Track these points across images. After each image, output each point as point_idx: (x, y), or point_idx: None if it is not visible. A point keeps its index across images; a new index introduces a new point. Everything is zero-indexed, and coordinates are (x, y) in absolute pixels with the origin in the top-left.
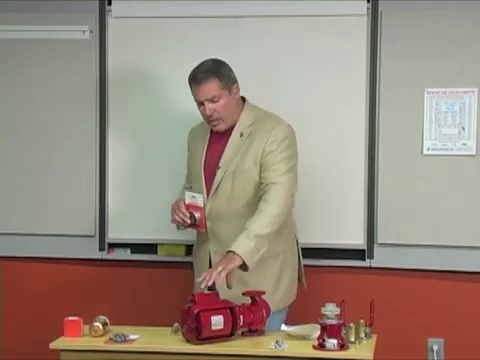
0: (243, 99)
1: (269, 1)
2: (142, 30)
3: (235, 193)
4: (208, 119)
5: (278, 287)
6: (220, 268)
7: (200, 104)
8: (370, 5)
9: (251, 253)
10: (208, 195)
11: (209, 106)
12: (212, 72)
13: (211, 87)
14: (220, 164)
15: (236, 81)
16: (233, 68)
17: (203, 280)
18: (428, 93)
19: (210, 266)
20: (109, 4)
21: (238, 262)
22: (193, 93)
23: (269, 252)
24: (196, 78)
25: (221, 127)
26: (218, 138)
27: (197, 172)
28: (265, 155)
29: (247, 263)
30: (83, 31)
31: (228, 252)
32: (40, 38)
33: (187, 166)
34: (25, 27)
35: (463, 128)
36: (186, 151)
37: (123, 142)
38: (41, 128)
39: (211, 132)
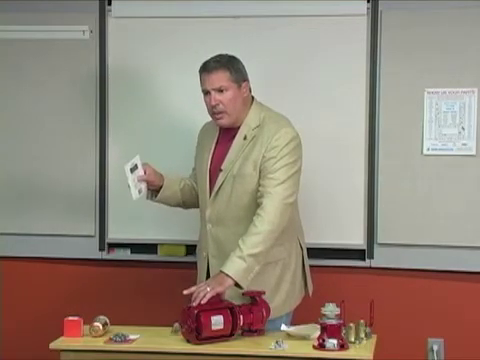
0: (252, 98)
1: (269, 1)
2: (142, 30)
3: (234, 197)
4: (212, 110)
5: (276, 294)
6: (209, 289)
7: (206, 94)
8: (370, 5)
9: (244, 274)
10: (210, 196)
11: (215, 96)
12: (224, 63)
13: (220, 77)
14: (222, 167)
15: (247, 80)
16: None
17: (192, 300)
18: (428, 93)
19: (208, 269)
20: (109, 4)
21: (229, 284)
22: (201, 82)
23: (268, 259)
24: (207, 66)
25: (224, 121)
26: (225, 139)
27: (203, 172)
28: (264, 161)
29: (240, 284)
30: (83, 31)
31: (220, 272)
32: (40, 38)
33: (195, 161)
34: (25, 27)
35: (463, 128)
36: (186, 150)
37: (123, 142)
38: (41, 128)
39: (220, 131)
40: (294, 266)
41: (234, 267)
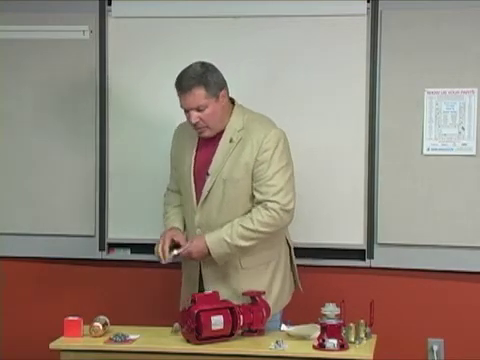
0: (232, 101)
1: (268, 1)
2: (142, 30)
3: (226, 202)
4: (194, 127)
5: (268, 295)
6: (194, 256)
7: (185, 111)
8: (370, 5)
9: (224, 256)
10: (198, 201)
11: (194, 114)
12: (198, 80)
13: (197, 96)
14: (209, 170)
15: (224, 87)
16: (232, 68)
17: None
18: (428, 93)
19: (201, 276)
20: (109, 4)
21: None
22: (179, 98)
23: (259, 261)
24: (181, 85)
25: (207, 134)
26: (208, 142)
27: (185, 176)
28: (258, 165)
29: (218, 263)
30: (83, 31)
31: (205, 245)
32: (40, 38)
33: (172, 165)
34: (25, 27)
35: (463, 128)
36: None
37: (123, 142)
38: (41, 128)
39: None
40: (284, 265)
41: (218, 250)
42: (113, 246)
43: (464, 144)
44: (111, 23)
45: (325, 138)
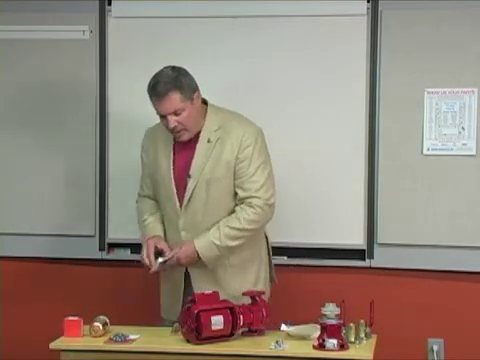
0: (205, 102)
1: (268, 1)
2: (142, 30)
3: (211, 203)
4: (171, 131)
5: None
6: (182, 262)
7: (162, 116)
8: (370, 5)
9: (215, 259)
10: (181, 205)
11: (172, 119)
12: (173, 84)
13: (173, 101)
14: (191, 172)
15: (197, 89)
16: (232, 68)
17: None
18: (428, 93)
19: (187, 278)
20: (109, 4)
21: (196, 262)
22: (154, 105)
23: (246, 257)
24: (156, 91)
25: (186, 137)
26: (185, 144)
27: (165, 180)
28: (239, 162)
29: (208, 266)
30: (83, 31)
31: (195, 250)
32: (40, 38)
33: (145, 171)
34: (25, 27)
35: (463, 128)
36: None
37: (123, 142)
38: (41, 128)
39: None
40: (265, 261)
41: (208, 253)
42: (113, 246)
43: (464, 144)
44: (111, 23)
45: (325, 138)
